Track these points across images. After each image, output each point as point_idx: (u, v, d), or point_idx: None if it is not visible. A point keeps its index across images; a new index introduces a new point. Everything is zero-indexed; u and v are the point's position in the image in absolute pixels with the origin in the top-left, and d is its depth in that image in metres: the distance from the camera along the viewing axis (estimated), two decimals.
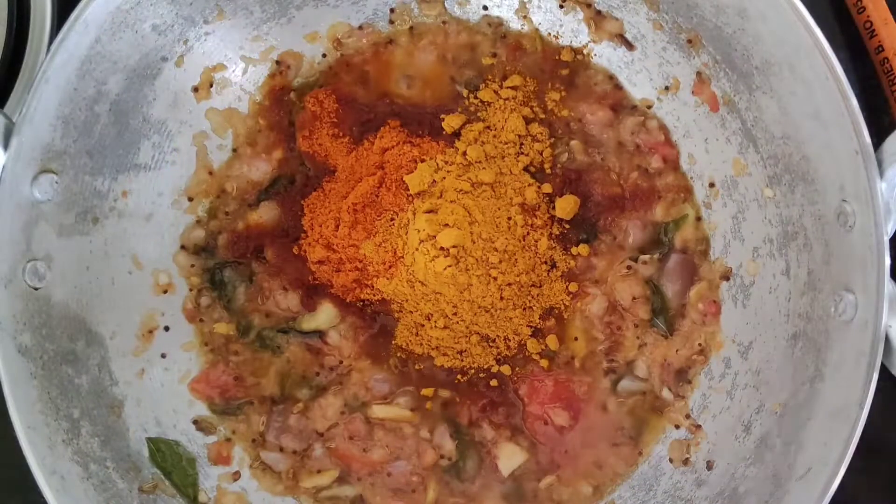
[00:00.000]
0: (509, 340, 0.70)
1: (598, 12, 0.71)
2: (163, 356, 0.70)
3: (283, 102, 0.73)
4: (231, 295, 0.72)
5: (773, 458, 0.62)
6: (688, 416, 0.70)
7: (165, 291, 0.71)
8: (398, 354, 0.71)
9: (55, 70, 0.61)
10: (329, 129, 0.72)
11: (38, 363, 0.62)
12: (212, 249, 0.72)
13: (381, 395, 0.71)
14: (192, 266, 0.72)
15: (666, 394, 0.71)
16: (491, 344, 0.70)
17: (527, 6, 0.73)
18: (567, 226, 0.71)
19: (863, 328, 0.57)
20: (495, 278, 0.68)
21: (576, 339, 0.71)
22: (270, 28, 0.72)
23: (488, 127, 0.72)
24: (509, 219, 0.69)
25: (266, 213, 0.72)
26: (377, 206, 0.70)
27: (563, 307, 0.71)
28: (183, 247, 0.72)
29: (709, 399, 0.70)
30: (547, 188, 0.71)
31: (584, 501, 0.70)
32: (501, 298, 0.69)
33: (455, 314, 0.68)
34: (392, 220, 0.70)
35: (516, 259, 0.69)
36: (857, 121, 0.57)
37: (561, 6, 0.72)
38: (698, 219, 0.72)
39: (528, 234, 0.70)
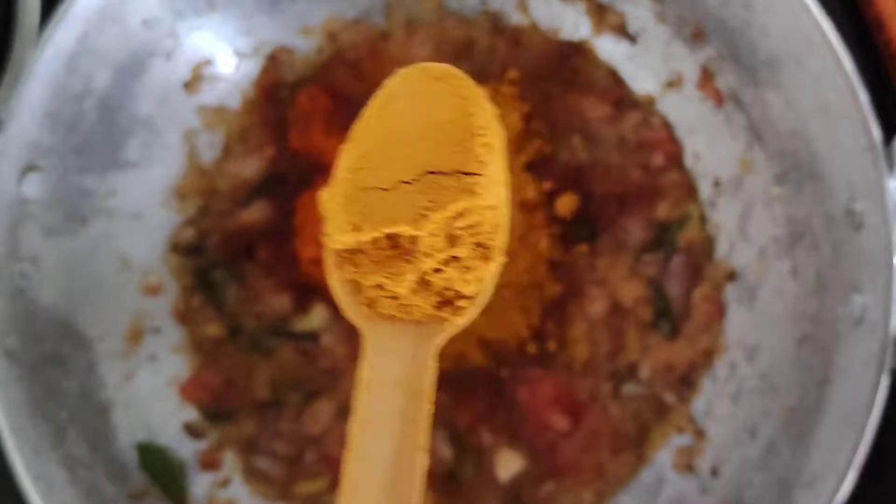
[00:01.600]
0: (508, 342, 0.69)
1: (600, 5, 0.70)
2: (152, 359, 0.70)
3: (276, 98, 0.72)
4: (222, 296, 0.71)
5: (780, 465, 0.62)
6: (692, 421, 0.69)
7: (155, 292, 0.70)
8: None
9: (42, 65, 0.61)
10: (322, 125, 0.71)
11: (24, 366, 0.62)
12: (202, 249, 0.71)
13: None
14: (183, 266, 0.71)
15: (669, 398, 0.69)
16: (489, 346, 0.69)
17: None
18: (567, 225, 0.70)
19: (872, 330, 0.56)
20: None
21: (576, 341, 0.70)
22: (263, 22, 0.71)
23: None
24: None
25: (258, 212, 0.71)
26: None
27: (562, 309, 0.70)
28: (173, 247, 0.71)
29: (713, 404, 0.69)
30: (547, 186, 0.70)
31: None
32: (501, 299, 0.68)
33: None
34: None
35: (516, 259, 0.68)
36: (866, 116, 0.56)
37: None
38: (702, 218, 0.71)
39: (527, 233, 0.69)
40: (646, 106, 0.72)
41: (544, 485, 0.69)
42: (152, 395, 0.69)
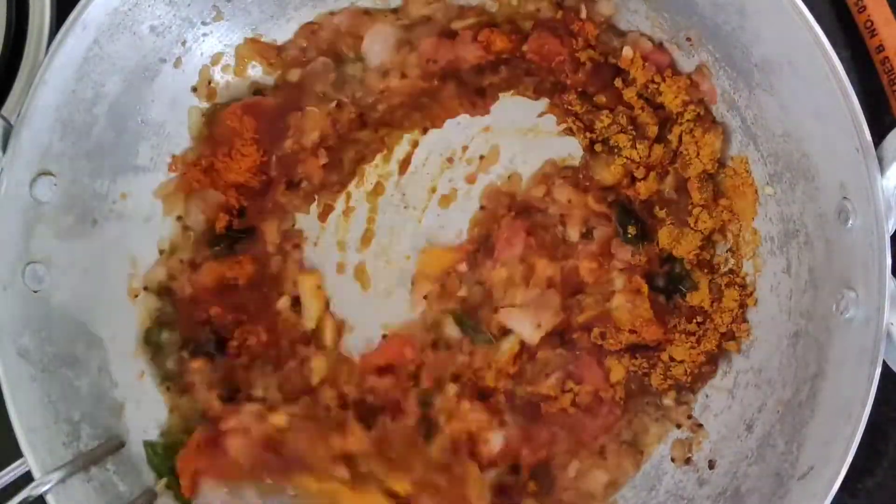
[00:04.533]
0: None
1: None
2: None
3: None
4: None
5: (775, 457, 0.62)
6: (689, 416, 0.70)
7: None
8: None
9: (53, 72, 0.61)
10: None
11: (37, 366, 0.62)
12: None
13: None
14: None
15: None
16: None
17: None
18: None
19: (864, 325, 0.57)
20: None
21: None
22: (269, 29, 0.72)
23: None
24: None
25: None
26: None
27: None
28: None
29: (710, 398, 0.70)
30: None
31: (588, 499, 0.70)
32: None
33: None
34: None
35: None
36: (857, 118, 0.56)
37: None
38: None
39: None
40: None
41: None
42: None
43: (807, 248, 0.63)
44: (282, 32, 0.72)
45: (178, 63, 0.69)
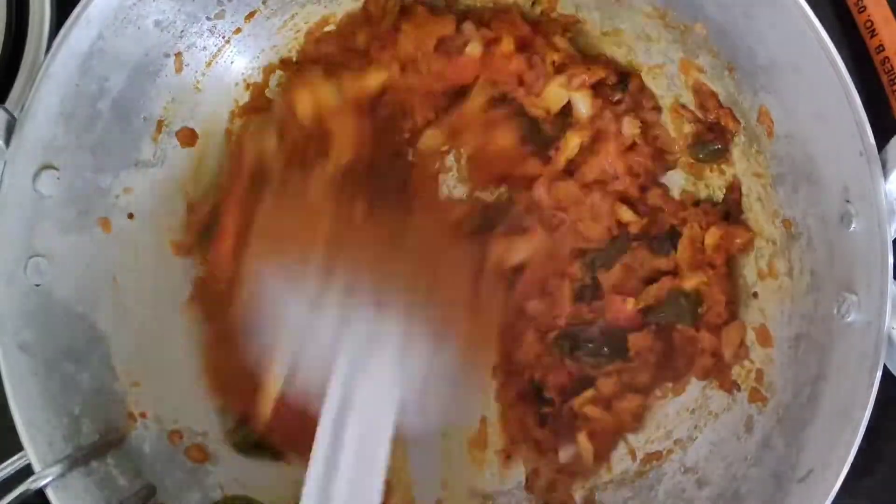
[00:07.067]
0: None
1: None
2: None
3: None
4: None
5: (775, 459, 0.62)
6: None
7: None
8: None
9: (57, 66, 0.61)
10: None
11: (38, 360, 0.62)
12: None
13: None
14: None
15: None
16: None
17: None
18: None
19: (865, 329, 0.57)
20: None
21: None
22: (272, 25, 0.72)
23: None
24: None
25: None
26: None
27: None
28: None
29: (710, 399, 0.70)
30: None
31: None
32: None
33: None
34: None
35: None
36: (861, 122, 0.56)
37: None
38: None
39: None
40: None
41: None
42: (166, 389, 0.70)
43: (809, 250, 0.63)
44: (284, 29, 0.72)
45: (182, 58, 0.69)
